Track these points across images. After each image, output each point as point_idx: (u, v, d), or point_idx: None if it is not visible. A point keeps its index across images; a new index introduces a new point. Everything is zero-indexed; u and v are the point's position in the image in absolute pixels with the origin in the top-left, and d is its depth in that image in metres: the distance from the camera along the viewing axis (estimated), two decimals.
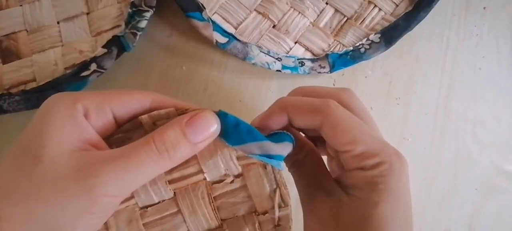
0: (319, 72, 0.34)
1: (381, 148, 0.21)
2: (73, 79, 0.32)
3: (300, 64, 0.34)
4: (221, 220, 0.24)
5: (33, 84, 0.33)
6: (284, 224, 0.23)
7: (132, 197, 0.23)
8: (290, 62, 0.34)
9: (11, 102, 0.32)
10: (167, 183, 0.23)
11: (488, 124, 0.36)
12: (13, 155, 0.20)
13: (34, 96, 0.32)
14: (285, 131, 0.23)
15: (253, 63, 0.34)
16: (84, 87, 0.32)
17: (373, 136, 0.22)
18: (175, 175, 0.23)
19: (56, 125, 0.19)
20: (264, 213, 0.23)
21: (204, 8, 0.34)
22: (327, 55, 0.34)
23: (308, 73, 0.34)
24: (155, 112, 0.22)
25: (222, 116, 0.22)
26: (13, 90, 0.33)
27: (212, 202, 0.23)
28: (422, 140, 0.36)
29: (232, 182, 0.23)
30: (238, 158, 0.23)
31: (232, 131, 0.22)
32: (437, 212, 0.35)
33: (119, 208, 0.23)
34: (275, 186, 0.23)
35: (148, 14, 0.33)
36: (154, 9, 0.33)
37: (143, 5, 0.33)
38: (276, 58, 0.34)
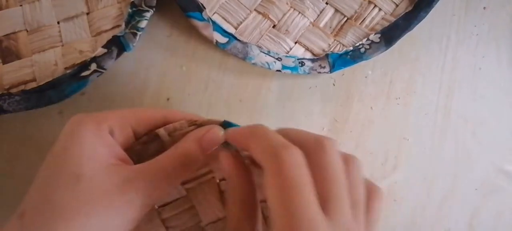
0: (319, 72, 0.34)
1: None
2: (73, 79, 0.32)
3: (300, 64, 0.34)
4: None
5: (33, 84, 0.33)
6: None
7: None
8: (290, 62, 0.34)
9: (11, 102, 0.32)
10: (181, 184, 0.27)
11: (488, 124, 0.36)
12: (49, 175, 0.22)
13: (34, 96, 0.32)
14: None
15: (253, 63, 0.34)
16: (84, 87, 0.32)
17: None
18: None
19: (89, 144, 0.22)
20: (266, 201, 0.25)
21: (204, 8, 0.34)
22: (327, 55, 0.34)
23: (308, 73, 0.34)
24: (170, 125, 0.25)
25: (227, 125, 0.25)
26: (13, 90, 0.33)
27: (221, 196, 0.27)
28: (422, 140, 0.36)
29: None
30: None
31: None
32: (437, 211, 0.35)
33: None
34: None
35: (148, 14, 0.33)
36: (154, 9, 0.33)
37: (143, 5, 0.33)
38: (276, 58, 0.34)
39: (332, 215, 0.18)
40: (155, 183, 0.22)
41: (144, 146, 0.25)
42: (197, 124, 0.25)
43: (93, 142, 0.22)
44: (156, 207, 0.27)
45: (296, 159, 0.18)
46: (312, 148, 0.20)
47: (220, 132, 0.24)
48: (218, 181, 0.28)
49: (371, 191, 0.22)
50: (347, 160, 0.22)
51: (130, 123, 0.24)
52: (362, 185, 0.21)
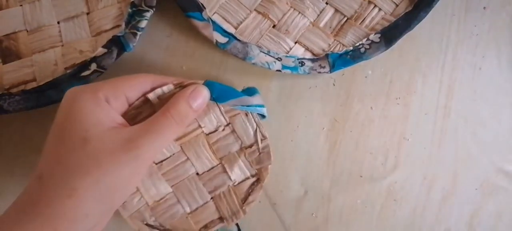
0: (319, 72, 0.34)
1: None
2: (73, 79, 0.32)
3: (300, 64, 0.34)
4: (220, 158, 0.32)
5: (33, 84, 0.33)
6: (266, 150, 0.32)
7: None
8: (290, 62, 0.34)
9: (11, 102, 0.32)
10: (174, 140, 0.31)
11: (488, 124, 0.36)
12: (59, 140, 0.25)
13: (34, 96, 0.32)
14: (254, 87, 0.34)
15: (253, 63, 0.34)
16: None
17: None
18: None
19: (90, 112, 0.25)
20: (251, 146, 0.32)
21: (204, 8, 0.34)
22: (327, 55, 0.34)
23: (308, 73, 0.34)
24: (158, 89, 0.29)
25: (209, 84, 0.30)
26: (13, 90, 0.33)
27: (211, 147, 0.32)
28: (422, 140, 0.36)
29: (223, 130, 0.32)
30: (225, 112, 0.32)
31: (219, 93, 0.31)
32: (437, 211, 0.35)
33: None
34: (255, 127, 0.32)
35: (148, 14, 0.33)
36: (154, 9, 0.33)
37: (143, 5, 0.33)
38: (276, 58, 0.34)
39: None
40: (155, 142, 0.26)
41: (137, 110, 0.29)
42: (183, 86, 0.29)
43: (93, 109, 0.25)
44: (155, 163, 0.31)
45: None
46: None
47: (203, 88, 0.29)
48: (206, 133, 0.32)
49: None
50: None
51: (123, 90, 0.28)
52: None
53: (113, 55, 0.32)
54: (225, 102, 0.31)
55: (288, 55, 0.35)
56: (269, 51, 0.34)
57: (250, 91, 0.33)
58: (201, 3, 0.34)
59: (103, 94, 0.26)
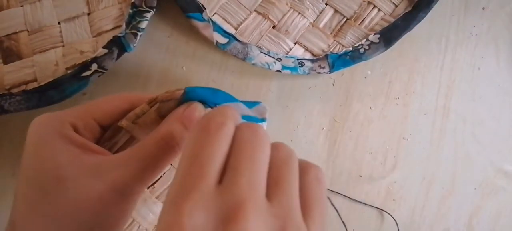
0: (319, 73, 0.34)
1: None
2: (74, 79, 0.32)
3: (299, 65, 0.34)
4: None
5: (34, 85, 0.33)
6: None
7: None
8: (290, 63, 0.34)
9: (12, 102, 0.32)
10: None
11: (487, 124, 0.36)
12: (30, 183, 0.20)
13: (35, 96, 0.32)
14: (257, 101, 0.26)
15: (253, 64, 0.34)
16: (85, 88, 0.33)
17: None
18: None
19: (58, 145, 0.20)
20: None
21: (205, 8, 0.34)
22: (326, 56, 0.34)
23: (308, 74, 0.34)
24: (130, 113, 0.23)
25: (191, 91, 0.23)
26: (14, 91, 0.33)
27: None
28: (421, 140, 0.36)
29: None
30: None
31: (206, 96, 0.24)
32: (436, 211, 0.35)
33: None
34: None
35: (148, 15, 0.33)
36: (154, 9, 0.33)
37: (143, 6, 0.33)
38: (276, 59, 0.34)
39: (226, 185, 0.16)
40: (146, 173, 0.21)
41: (111, 141, 0.24)
42: (157, 101, 0.23)
43: (62, 142, 0.21)
44: (146, 187, 0.29)
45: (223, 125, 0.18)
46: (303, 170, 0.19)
47: (198, 106, 0.23)
48: None
49: (303, 168, 0.19)
50: (276, 146, 0.19)
51: (94, 117, 0.23)
52: (287, 165, 0.18)
53: (114, 56, 0.32)
54: (215, 105, 0.25)
55: (288, 55, 0.35)
56: (269, 52, 0.35)
57: (246, 104, 0.26)
58: (202, 4, 0.34)
59: (71, 123, 0.21)
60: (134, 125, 0.24)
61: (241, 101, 0.25)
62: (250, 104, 0.25)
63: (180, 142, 0.22)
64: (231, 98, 0.24)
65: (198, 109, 0.23)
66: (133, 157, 0.21)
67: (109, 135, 0.24)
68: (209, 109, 0.24)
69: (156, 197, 0.30)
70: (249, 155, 0.17)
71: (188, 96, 0.23)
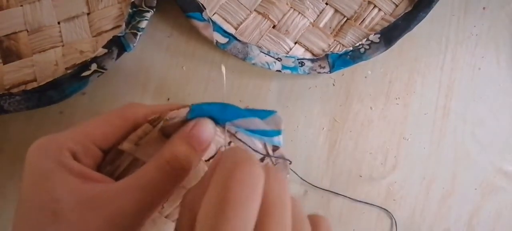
0: (319, 72, 0.34)
1: None
2: (74, 79, 0.32)
3: (300, 64, 0.34)
4: None
5: (34, 84, 0.33)
6: (281, 161, 0.24)
7: None
8: (290, 63, 0.34)
9: (11, 102, 0.32)
10: None
11: (487, 124, 0.36)
12: (26, 214, 0.19)
13: (35, 96, 0.32)
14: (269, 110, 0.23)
15: (253, 64, 0.34)
16: (85, 87, 0.32)
17: None
18: None
19: (55, 176, 0.19)
20: (263, 158, 0.24)
21: (204, 8, 0.34)
22: (326, 55, 0.34)
23: (308, 73, 0.34)
24: (132, 135, 0.21)
25: (197, 108, 0.21)
26: (14, 90, 0.33)
27: None
28: (421, 140, 0.36)
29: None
30: (222, 131, 0.23)
31: (216, 113, 0.22)
32: (437, 211, 0.35)
33: None
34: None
35: (148, 15, 0.33)
36: (154, 9, 0.33)
37: (143, 6, 0.33)
38: (276, 59, 0.34)
39: None
40: (144, 202, 0.19)
41: (113, 164, 0.22)
42: (161, 119, 0.21)
43: (60, 173, 0.19)
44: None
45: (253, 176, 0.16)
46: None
47: (207, 122, 0.21)
48: (206, 160, 0.25)
49: (315, 222, 0.19)
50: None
51: (93, 141, 0.21)
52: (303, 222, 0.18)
53: (114, 56, 0.32)
54: (228, 122, 0.23)
55: (288, 55, 0.35)
56: (269, 52, 0.34)
57: (259, 114, 0.23)
58: (202, 4, 0.34)
59: (69, 149, 0.20)
60: (137, 146, 0.22)
61: (253, 110, 0.23)
62: (263, 113, 0.23)
63: (187, 165, 0.20)
64: (242, 113, 0.22)
65: (207, 129, 0.21)
66: (133, 186, 0.19)
67: (111, 157, 0.22)
68: (219, 127, 0.22)
69: (166, 217, 0.26)
70: (279, 219, 0.16)
71: (195, 114, 0.21)
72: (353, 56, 0.34)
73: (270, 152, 0.24)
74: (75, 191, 0.19)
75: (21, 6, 0.34)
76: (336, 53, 0.34)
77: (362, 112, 0.36)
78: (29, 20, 0.34)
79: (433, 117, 0.36)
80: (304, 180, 0.35)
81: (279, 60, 0.34)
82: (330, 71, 0.34)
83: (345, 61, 0.34)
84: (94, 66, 0.32)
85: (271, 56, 0.34)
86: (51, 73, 0.33)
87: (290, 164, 0.24)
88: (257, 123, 0.23)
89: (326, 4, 0.36)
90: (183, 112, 0.21)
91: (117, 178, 0.21)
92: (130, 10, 0.33)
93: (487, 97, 0.36)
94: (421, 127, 0.36)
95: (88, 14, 0.35)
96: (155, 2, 0.33)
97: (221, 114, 0.22)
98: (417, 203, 0.35)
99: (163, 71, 0.35)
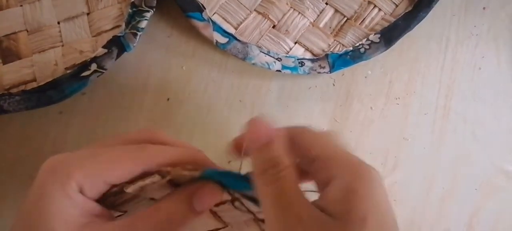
0: (319, 72, 0.34)
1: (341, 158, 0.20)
2: (74, 79, 0.32)
3: (300, 64, 0.34)
4: (225, 222, 0.26)
5: (34, 84, 0.33)
6: None
7: None
8: (290, 62, 0.34)
9: (11, 102, 0.32)
10: None
11: (488, 124, 0.36)
12: None
13: (35, 96, 0.32)
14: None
15: (253, 63, 0.34)
16: (85, 88, 0.32)
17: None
18: None
19: (57, 205, 0.20)
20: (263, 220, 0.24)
21: (204, 8, 0.34)
22: (327, 55, 0.34)
23: (308, 73, 0.34)
24: (140, 182, 0.21)
25: (207, 175, 0.21)
26: (14, 90, 0.33)
27: (216, 214, 0.25)
28: (421, 140, 0.36)
29: (229, 204, 0.24)
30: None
31: (228, 182, 0.22)
32: (437, 211, 0.35)
33: None
34: None
35: (148, 14, 0.33)
36: (154, 9, 0.33)
37: (143, 5, 0.33)
38: (276, 58, 0.34)
39: None
40: None
41: (115, 197, 0.23)
42: (171, 176, 0.21)
43: (62, 203, 0.20)
44: None
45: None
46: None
47: (215, 191, 0.21)
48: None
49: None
50: None
51: (104, 178, 0.21)
52: None
53: (113, 56, 0.32)
54: (236, 190, 0.23)
55: (288, 55, 0.35)
56: (269, 52, 0.34)
57: None
58: (201, 4, 0.34)
59: (77, 183, 0.20)
60: (141, 190, 0.22)
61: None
62: None
63: (179, 226, 0.21)
64: (248, 186, 0.21)
65: (214, 197, 0.21)
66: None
67: (115, 191, 0.22)
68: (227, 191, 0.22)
69: None
70: None
71: (206, 177, 0.21)
72: (353, 56, 0.34)
73: None
74: (71, 225, 0.19)
75: (21, 6, 0.34)
76: (336, 53, 0.34)
77: (362, 113, 0.36)
78: (28, 20, 0.34)
79: (433, 117, 0.36)
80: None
81: (279, 60, 0.34)
82: (330, 71, 0.34)
83: (345, 61, 0.34)
84: (94, 66, 0.32)
85: (271, 56, 0.34)
86: (50, 73, 0.33)
87: None
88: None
89: (326, 4, 0.36)
90: (194, 174, 0.21)
91: (118, 206, 0.22)
92: (130, 10, 0.33)
93: (488, 97, 0.36)
94: (421, 127, 0.36)
95: (88, 14, 0.35)
96: (155, 2, 0.33)
97: (233, 185, 0.22)
98: (417, 203, 0.35)
99: (163, 71, 0.35)
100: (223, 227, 0.26)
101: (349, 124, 0.36)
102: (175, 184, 0.22)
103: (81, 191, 0.20)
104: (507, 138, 0.36)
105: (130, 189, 0.21)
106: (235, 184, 0.22)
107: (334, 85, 0.36)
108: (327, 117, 0.36)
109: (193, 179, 0.21)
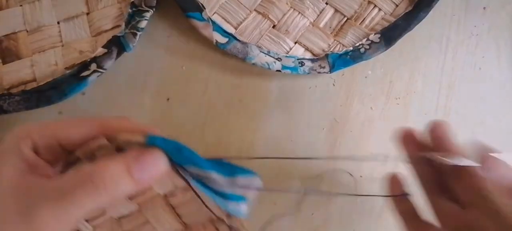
0: (319, 72, 0.34)
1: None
2: (73, 79, 0.32)
3: (300, 64, 0.34)
4: (185, 223, 0.26)
5: (33, 84, 0.33)
6: (238, 227, 0.25)
7: (105, 211, 0.26)
8: (290, 62, 0.34)
9: (11, 102, 0.32)
10: (128, 199, 0.26)
11: (488, 124, 0.36)
12: None
13: (34, 96, 0.32)
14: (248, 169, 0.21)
15: (253, 63, 0.34)
16: (84, 88, 0.32)
17: None
18: None
19: (6, 159, 0.20)
20: (219, 219, 0.25)
21: (204, 8, 0.34)
22: (327, 55, 0.34)
23: (308, 73, 0.34)
24: (86, 147, 0.21)
25: (151, 141, 0.20)
26: (13, 90, 0.33)
27: (172, 210, 0.26)
28: None
29: (183, 194, 0.25)
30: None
31: (172, 152, 0.20)
32: None
33: (99, 220, 0.26)
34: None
35: (148, 14, 0.33)
36: (154, 9, 0.33)
37: (143, 5, 0.33)
38: (276, 58, 0.34)
39: None
40: (60, 209, 0.19)
41: (68, 168, 0.22)
42: (118, 141, 0.21)
43: (10, 157, 0.20)
44: (115, 218, 0.26)
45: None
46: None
47: (161, 157, 0.20)
48: (163, 195, 0.26)
49: None
50: None
51: (58, 139, 0.21)
52: None
53: (113, 56, 0.32)
54: (182, 166, 0.21)
55: (288, 55, 0.35)
56: (269, 52, 0.34)
57: (233, 170, 0.21)
58: (201, 4, 0.34)
59: (32, 141, 0.21)
60: (92, 156, 0.21)
61: (225, 164, 0.21)
62: (239, 170, 0.21)
63: (112, 188, 0.20)
64: (200, 162, 0.20)
65: (156, 164, 0.20)
66: (56, 190, 0.20)
67: (70, 160, 0.22)
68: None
69: None
70: None
71: (150, 144, 0.20)
72: (353, 56, 0.34)
73: (225, 216, 0.23)
74: (14, 177, 0.20)
75: (21, 6, 0.34)
76: (336, 53, 0.34)
77: (363, 113, 0.36)
78: (28, 20, 0.34)
79: (434, 117, 0.36)
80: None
81: (279, 60, 0.34)
82: (330, 71, 0.34)
83: (345, 61, 0.34)
84: (93, 66, 0.32)
85: (271, 56, 0.34)
86: (50, 73, 0.33)
87: None
88: (215, 179, 0.20)
89: (326, 4, 0.36)
90: (138, 139, 0.20)
91: None
92: (130, 10, 0.33)
93: (488, 97, 0.36)
94: (422, 127, 0.36)
95: (87, 14, 0.35)
96: (155, 2, 0.33)
97: (176, 155, 0.20)
98: (417, 203, 0.35)
99: (163, 71, 0.35)
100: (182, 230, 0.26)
101: (349, 124, 0.36)
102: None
103: (35, 150, 0.21)
104: (507, 138, 0.36)
105: (79, 152, 0.21)
106: (179, 156, 0.20)
107: (334, 85, 0.36)
108: (327, 117, 0.36)
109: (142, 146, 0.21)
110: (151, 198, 0.26)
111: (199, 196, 0.24)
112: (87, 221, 0.25)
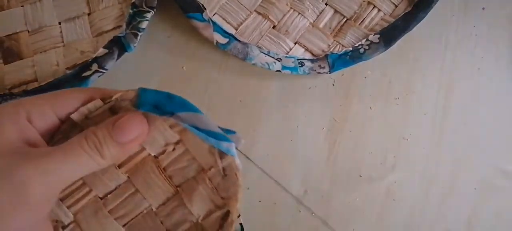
0: (319, 73, 0.34)
1: None
2: (74, 79, 0.32)
3: (299, 65, 0.34)
4: (176, 186, 0.25)
5: (35, 85, 0.33)
6: (230, 172, 0.24)
7: (91, 189, 0.24)
8: (290, 63, 0.34)
9: None
10: (117, 168, 0.24)
11: (487, 124, 0.36)
12: None
13: None
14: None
15: (253, 64, 0.34)
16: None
17: None
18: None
19: (2, 126, 0.21)
20: (211, 168, 0.24)
21: (205, 9, 0.34)
22: (326, 56, 0.34)
23: (308, 74, 0.34)
24: (82, 107, 0.23)
25: (144, 92, 0.22)
26: (15, 91, 0.33)
27: (163, 172, 0.25)
28: (421, 140, 0.36)
29: (173, 150, 0.24)
30: (171, 126, 0.24)
31: (160, 101, 0.23)
32: (436, 211, 0.35)
33: (82, 203, 0.24)
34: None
35: (149, 15, 0.33)
36: (155, 9, 0.33)
37: (144, 6, 0.33)
38: (276, 59, 0.34)
39: None
40: (49, 172, 0.20)
41: (64, 134, 0.23)
42: (112, 100, 0.22)
43: (3, 125, 0.21)
44: (99, 197, 0.25)
45: None
46: None
47: (137, 121, 0.22)
48: (155, 156, 0.25)
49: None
50: None
51: (53, 108, 0.22)
52: None
53: (114, 56, 0.33)
54: (172, 113, 0.23)
55: (288, 55, 0.35)
56: (269, 52, 0.35)
57: (215, 135, 0.23)
58: (202, 4, 0.34)
59: (25, 110, 0.21)
60: (87, 119, 0.23)
61: (210, 132, 0.23)
62: (220, 135, 0.23)
63: (103, 152, 0.21)
64: (190, 107, 0.23)
65: (134, 126, 0.22)
66: (43, 154, 0.20)
67: (64, 128, 0.23)
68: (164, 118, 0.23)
69: (109, 211, 0.25)
70: None
71: (142, 99, 0.22)
72: (352, 57, 0.34)
73: (218, 159, 0.24)
74: (6, 144, 0.20)
75: (22, 6, 0.35)
76: (336, 53, 0.35)
77: (362, 113, 0.36)
78: (30, 20, 0.34)
79: (433, 117, 0.36)
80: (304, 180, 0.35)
81: (279, 61, 0.34)
82: (330, 72, 0.34)
83: (345, 62, 0.34)
84: (94, 67, 0.32)
85: (271, 57, 0.34)
86: (51, 74, 0.34)
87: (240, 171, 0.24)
88: (205, 121, 0.23)
89: (326, 4, 0.36)
90: (131, 94, 0.22)
91: None
92: (131, 11, 0.33)
93: (487, 97, 0.36)
94: (421, 127, 0.36)
95: (88, 14, 0.35)
96: (156, 2, 0.33)
97: (167, 104, 0.22)
98: (417, 203, 0.35)
99: (164, 72, 0.35)
100: (174, 195, 0.25)
101: (349, 124, 0.36)
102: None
103: (29, 120, 0.22)
104: (507, 138, 0.36)
105: (74, 115, 0.22)
106: (170, 104, 0.22)
107: (334, 85, 0.36)
108: (326, 117, 0.36)
109: (134, 105, 0.22)
110: (142, 161, 0.25)
111: (188, 150, 0.24)
112: (68, 208, 0.24)
